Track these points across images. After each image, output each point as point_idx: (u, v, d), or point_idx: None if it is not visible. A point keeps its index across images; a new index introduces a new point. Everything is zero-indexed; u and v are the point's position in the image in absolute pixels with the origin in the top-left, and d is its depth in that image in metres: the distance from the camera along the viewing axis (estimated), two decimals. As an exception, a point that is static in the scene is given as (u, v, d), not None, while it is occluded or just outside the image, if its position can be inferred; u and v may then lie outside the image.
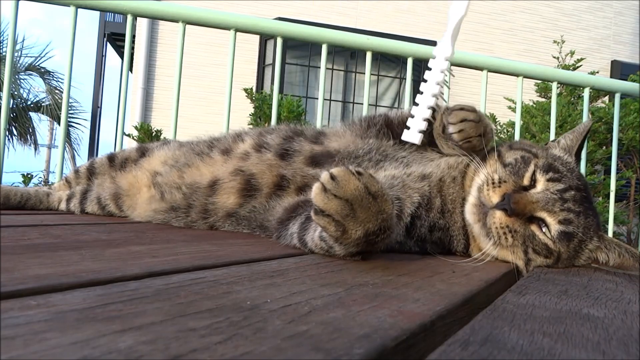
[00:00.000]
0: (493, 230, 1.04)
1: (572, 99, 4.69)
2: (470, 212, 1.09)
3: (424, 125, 1.15)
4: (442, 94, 1.20)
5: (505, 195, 1.03)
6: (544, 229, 1.04)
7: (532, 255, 1.05)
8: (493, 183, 1.06)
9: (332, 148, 1.24)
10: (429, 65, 1.19)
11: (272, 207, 1.18)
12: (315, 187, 0.78)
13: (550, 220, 1.04)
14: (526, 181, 1.08)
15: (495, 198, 1.04)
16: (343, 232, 0.78)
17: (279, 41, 2.36)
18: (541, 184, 1.07)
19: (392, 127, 1.26)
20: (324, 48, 2.40)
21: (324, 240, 0.87)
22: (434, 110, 1.18)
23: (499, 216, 1.03)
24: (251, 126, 3.95)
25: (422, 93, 1.17)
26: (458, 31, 1.21)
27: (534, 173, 1.08)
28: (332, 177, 0.77)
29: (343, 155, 1.20)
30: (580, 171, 1.20)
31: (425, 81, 1.16)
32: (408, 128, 1.17)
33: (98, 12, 7.88)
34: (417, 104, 1.17)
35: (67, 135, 7.34)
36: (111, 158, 1.67)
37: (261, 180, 1.24)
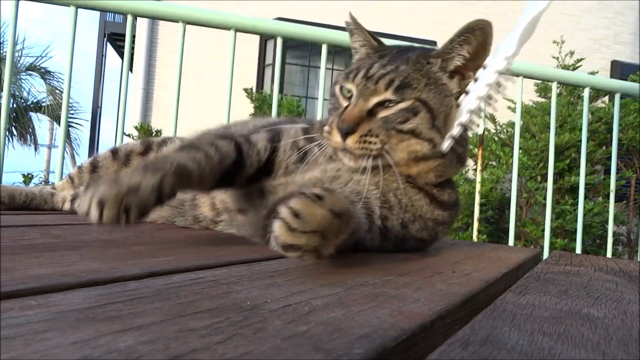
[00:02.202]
0: (352, 148, 0.96)
1: (572, 99, 4.68)
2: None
3: (456, 131, 0.97)
4: (491, 98, 0.98)
5: (337, 124, 0.97)
6: (386, 104, 0.98)
7: (413, 125, 0.97)
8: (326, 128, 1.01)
9: None
10: (485, 62, 0.99)
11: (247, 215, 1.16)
12: (279, 227, 0.68)
13: (381, 97, 0.98)
14: (345, 102, 1.02)
15: (335, 135, 0.98)
16: (317, 256, 0.73)
17: (279, 41, 2.36)
18: (354, 88, 1.01)
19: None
20: (324, 48, 2.40)
21: None
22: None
23: (337, 140, 0.97)
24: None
25: (466, 93, 0.99)
26: (532, 30, 0.99)
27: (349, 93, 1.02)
28: (295, 214, 0.68)
29: None
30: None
31: (475, 80, 0.98)
32: None
33: (98, 12, 7.87)
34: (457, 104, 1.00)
35: (67, 135, 7.32)
36: (114, 152, 1.64)
37: None
